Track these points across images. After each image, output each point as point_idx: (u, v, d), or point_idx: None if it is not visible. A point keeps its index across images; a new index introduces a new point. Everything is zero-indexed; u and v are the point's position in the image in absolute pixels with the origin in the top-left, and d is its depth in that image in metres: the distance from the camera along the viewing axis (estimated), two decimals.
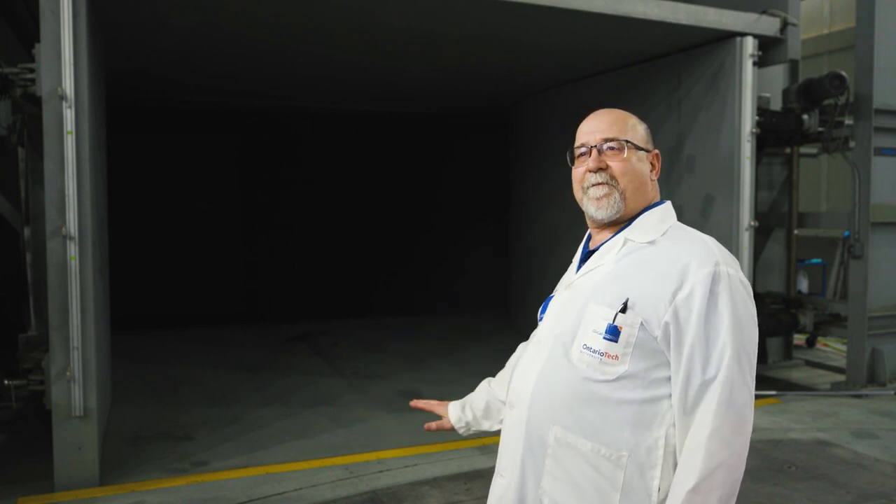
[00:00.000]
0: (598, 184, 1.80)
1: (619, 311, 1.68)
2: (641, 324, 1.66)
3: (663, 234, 1.79)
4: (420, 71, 7.98)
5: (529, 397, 1.76)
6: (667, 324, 1.64)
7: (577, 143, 1.87)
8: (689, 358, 1.62)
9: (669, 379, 1.68)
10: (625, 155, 1.80)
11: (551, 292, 1.98)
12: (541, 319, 1.92)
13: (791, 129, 7.00)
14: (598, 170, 1.80)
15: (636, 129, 1.84)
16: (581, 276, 1.83)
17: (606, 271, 1.78)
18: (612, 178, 1.80)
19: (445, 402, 2.24)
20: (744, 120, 6.21)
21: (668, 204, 1.87)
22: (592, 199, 1.81)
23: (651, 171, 1.86)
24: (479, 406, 2.16)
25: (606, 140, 1.81)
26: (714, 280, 1.65)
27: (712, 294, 1.64)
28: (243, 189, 10.98)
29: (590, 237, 1.94)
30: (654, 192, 1.87)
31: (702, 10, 6.01)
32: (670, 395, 1.67)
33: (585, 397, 1.69)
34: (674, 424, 1.67)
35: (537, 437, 1.74)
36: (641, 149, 1.83)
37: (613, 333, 1.67)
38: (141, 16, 5.59)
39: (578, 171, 1.85)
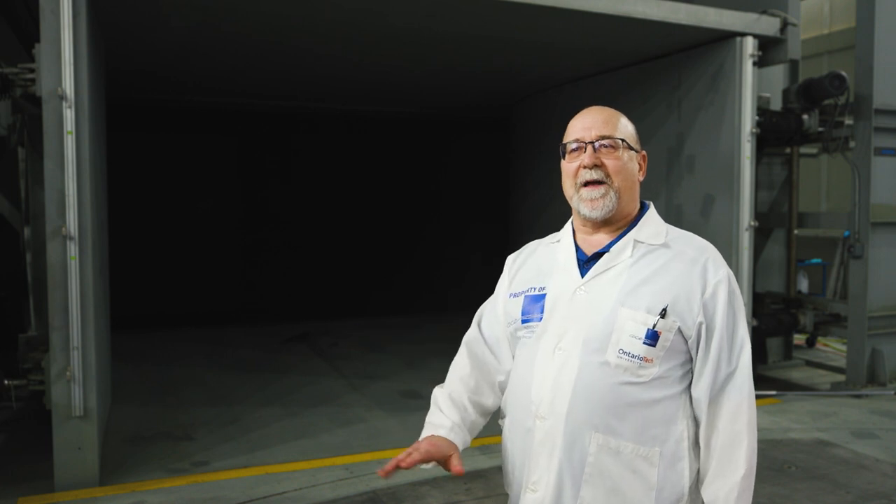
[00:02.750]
0: (594, 182, 1.81)
1: (660, 317, 1.72)
2: (679, 328, 1.73)
3: (666, 234, 1.85)
4: (420, 71, 7.98)
5: (567, 406, 1.73)
6: (700, 324, 1.74)
7: (570, 139, 1.86)
8: (718, 352, 1.74)
9: (688, 373, 1.77)
10: (619, 153, 1.82)
11: None
12: (537, 319, 1.84)
13: (791, 129, 6.99)
14: (594, 166, 1.81)
15: (627, 129, 1.87)
16: (592, 277, 1.80)
17: (625, 274, 1.78)
18: (607, 175, 1.81)
19: (440, 440, 1.87)
20: (744, 120, 6.21)
21: (653, 205, 1.95)
22: (586, 200, 1.81)
23: (638, 171, 1.89)
24: (471, 422, 1.98)
25: (602, 137, 1.81)
26: (729, 280, 1.78)
27: (730, 293, 1.77)
28: (243, 189, 10.98)
29: (571, 234, 1.92)
30: (638, 191, 1.90)
31: (702, 10, 6.02)
32: (688, 388, 1.77)
33: (625, 401, 1.71)
34: (691, 416, 1.77)
35: (578, 445, 1.72)
36: (633, 148, 1.86)
37: (653, 338, 1.72)
38: (141, 15, 5.59)
39: (571, 167, 1.85)
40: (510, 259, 2.06)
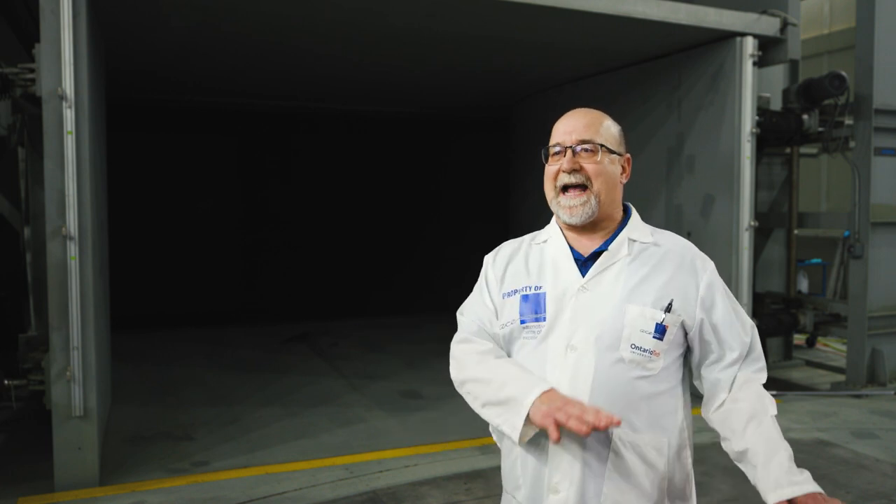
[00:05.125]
0: (573, 186, 1.82)
1: (666, 312, 1.77)
2: (682, 322, 1.80)
3: (652, 233, 1.90)
4: (420, 71, 7.98)
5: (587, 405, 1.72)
6: (702, 319, 1.81)
7: (552, 142, 1.88)
8: (729, 336, 1.81)
9: (682, 365, 1.85)
10: (598, 158, 1.83)
11: None
12: (538, 320, 1.81)
13: (791, 129, 6.99)
14: (573, 170, 1.82)
15: (610, 132, 1.87)
16: (594, 276, 1.81)
17: (626, 271, 1.81)
18: (587, 178, 1.82)
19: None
20: (744, 120, 6.21)
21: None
22: (565, 207, 1.83)
23: (621, 173, 1.89)
24: None
25: (582, 141, 1.83)
26: (716, 272, 1.87)
27: (722, 284, 1.86)
28: (243, 189, 10.98)
29: (561, 234, 1.91)
30: (621, 194, 1.92)
31: (702, 10, 6.02)
32: (682, 379, 1.85)
33: (639, 394, 1.76)
34: (689, 405, 1.85)
35: (599, 442, 1.73)
36: (614, 152, 1.86)
37: (661, 332, 1.77)
38: (141, 15, 5.60)
39: (551, 170, 1.87)
40: (489, 258, 1.99)
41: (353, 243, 11.34)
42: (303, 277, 11.06)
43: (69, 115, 4.25)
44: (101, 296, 5.16)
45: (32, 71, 4.41)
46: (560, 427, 1.62)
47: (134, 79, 8.10)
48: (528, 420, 1.68)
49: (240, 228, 10.97)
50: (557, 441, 1.63)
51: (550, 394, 1.68)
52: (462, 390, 1.88)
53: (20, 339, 5.00)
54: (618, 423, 1.61)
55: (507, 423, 1.72)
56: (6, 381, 4.87)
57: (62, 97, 4.23)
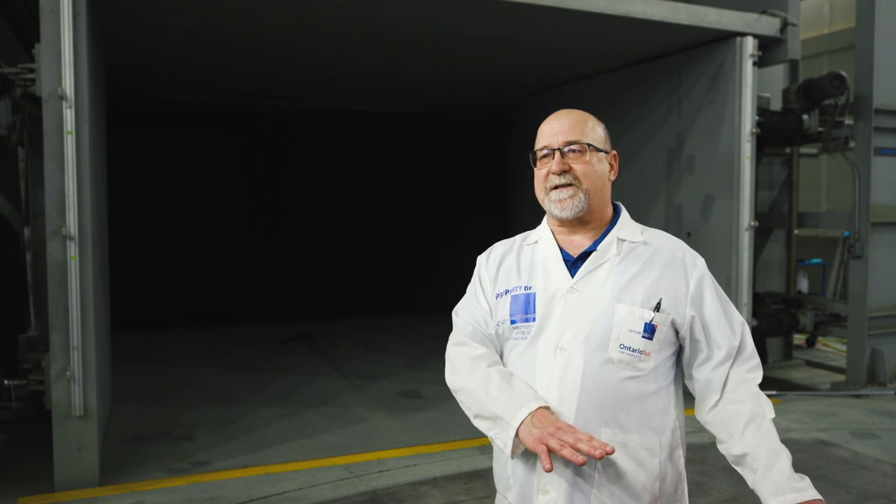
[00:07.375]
0: (563, 185, 1.84)
1: (655, 311, 1.77)
2: (672, 320, 1.79)
3: (642, 232, 1.90)
4: (420, 71, 7.98)
5: (576, 405, 1.73)
6: (692, 318, 1.80)
7: (539, 146, 1.89)
8: (719, 334, 1.81)
9: (674, 365, 1.84)
10: (586, 157, 1.84)
11: None
12: (528, 320, 1.82)
13: (791, 129, 7.00)
14: (562, 172, 1.83)
15: (595, 131, 1.88)
16: (583, 276, 1.82)
17: (615, 271, 1.81)
18: (576, 178, 1.83)
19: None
20: (744, 120, 6.21)
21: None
22: (556, 201, 1.84)
23: (609, 171, 1.91)
24: None
25: (569, 143, 1.84)
26: (706, 269, 1.87)
27: (712, 281, 1.86)
28: (243, 189, 10.98)
29: (551, 235, 1.91)
30: (610, 192, 1.93)
31: (702, 10, 6.02)
32: (675, 379, 1.84)
33: (628, 395, 1.75)
34: (681, 406, 1.83)
35: None
36: (601, 150, 1.88)
37: (650, 332, 1.77)
38: (141, 15, 5.60)
39: (541, 173, 1.88)
40: (482, 259, 2.01)
41: (353, 243, 11.34)
42: (303, 277, 11.06)
43: (69, 115, 4.25)
44: (101, 296, 5.16)
45: (32, 71, 4.41)
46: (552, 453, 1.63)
47: (134, 79, 8.10)
48: (518, 437, 1.70)
49: (240, 228, 10.96)
50: (550, 471, 1.60)
51: (540, 415, 1.69)
52: (456, 397, 1.90)
53: (20, 339, 4.99)
54: (611, 452, 1.59)
55: (497, 439, 1.76)
56: (6, 381, 4.88)
57: (62, 97, 4.23)
